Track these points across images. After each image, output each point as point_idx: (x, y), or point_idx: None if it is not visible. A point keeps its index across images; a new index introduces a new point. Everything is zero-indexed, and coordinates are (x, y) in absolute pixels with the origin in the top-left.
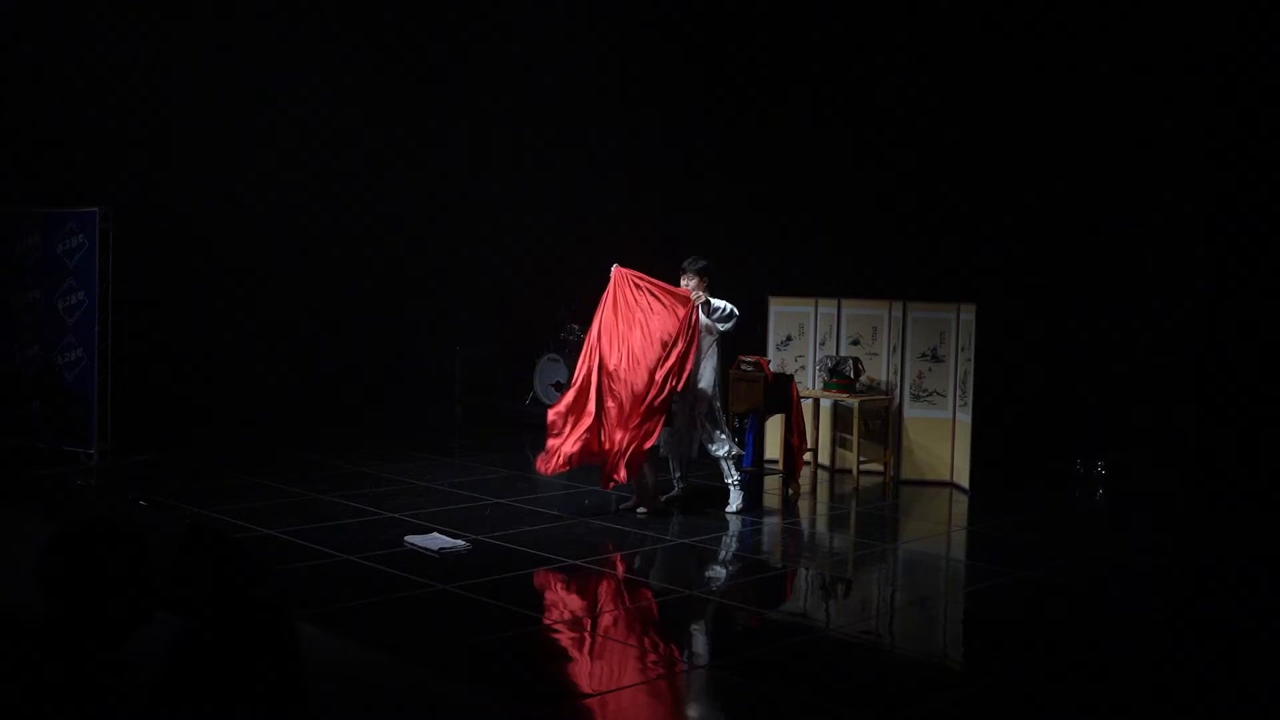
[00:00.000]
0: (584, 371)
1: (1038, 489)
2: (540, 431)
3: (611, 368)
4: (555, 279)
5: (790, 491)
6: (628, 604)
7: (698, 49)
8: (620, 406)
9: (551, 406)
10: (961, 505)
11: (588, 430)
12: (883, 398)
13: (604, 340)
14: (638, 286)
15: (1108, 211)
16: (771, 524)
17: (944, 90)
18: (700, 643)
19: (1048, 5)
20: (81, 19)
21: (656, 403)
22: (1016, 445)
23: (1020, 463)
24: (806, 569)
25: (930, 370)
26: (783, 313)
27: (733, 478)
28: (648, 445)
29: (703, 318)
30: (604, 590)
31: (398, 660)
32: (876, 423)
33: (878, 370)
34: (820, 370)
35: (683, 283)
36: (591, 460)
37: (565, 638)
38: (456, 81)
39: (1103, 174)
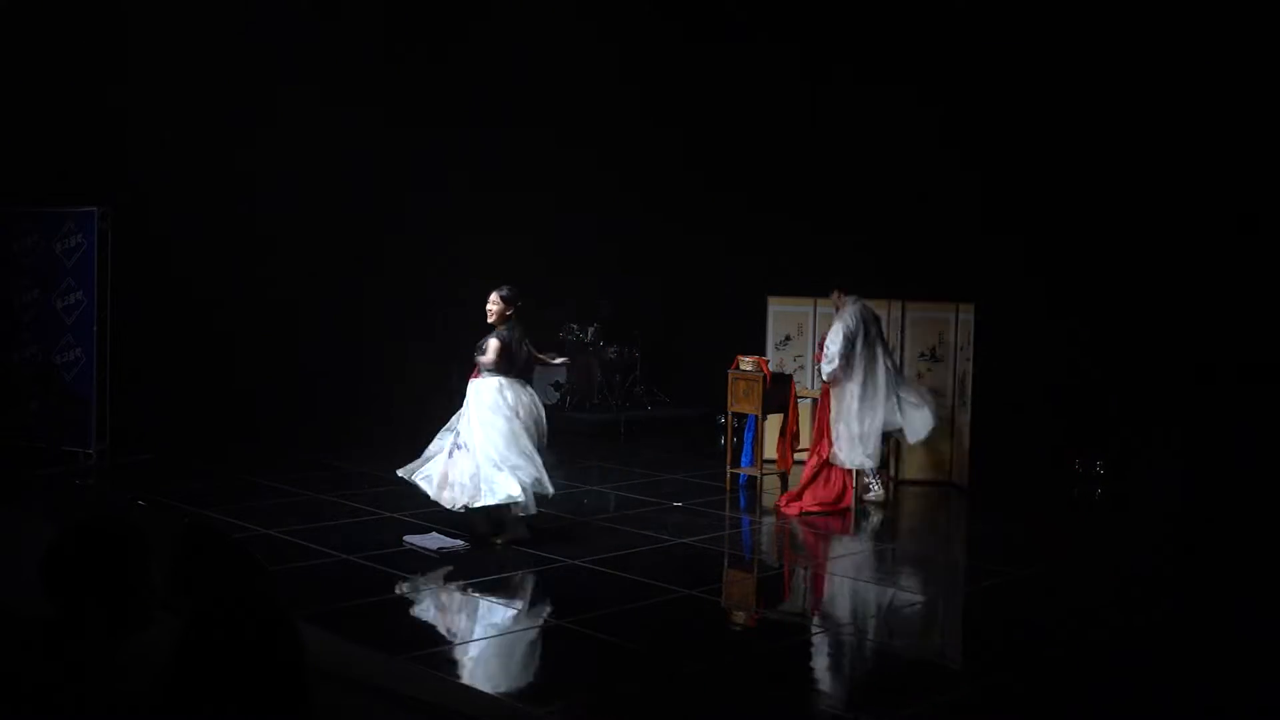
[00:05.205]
0: None
1: (1037, 489)
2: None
3: None
4: (554, 280)
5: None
6: (626, 604)
7: (697, 49)
8: None
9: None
10: (961, 505)
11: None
12: None
13: None
14: None
15: (1107, 211)
16: (769, 524)
17: (943, 90)
18: (699, 642)
19: (1049, 2)
20: (81, 19)
21: None
22: (1016, 445)
23: (1020, 463)
24: (804, 569)
25: (929, 370)
26: (781, 313)
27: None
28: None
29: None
30: (602, 590)
31: (397, 660)
32: None
33: None
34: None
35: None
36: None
37: (564, 638)
38: (456, 81)
39: (1102, 174)
